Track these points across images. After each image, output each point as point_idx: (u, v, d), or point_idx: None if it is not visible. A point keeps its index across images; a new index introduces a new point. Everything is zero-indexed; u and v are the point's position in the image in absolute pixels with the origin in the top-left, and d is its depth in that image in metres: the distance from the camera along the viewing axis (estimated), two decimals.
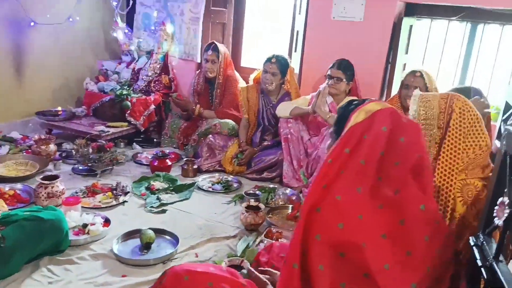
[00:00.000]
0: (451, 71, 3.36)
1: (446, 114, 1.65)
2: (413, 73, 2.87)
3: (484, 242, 1.40)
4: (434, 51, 3.41)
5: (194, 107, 3.66)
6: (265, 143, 3.42)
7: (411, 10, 3.33)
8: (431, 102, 1.69)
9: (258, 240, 2.28)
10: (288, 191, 2.88)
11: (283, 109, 3.23)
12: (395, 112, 1.39)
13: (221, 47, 3.65)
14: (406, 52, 3.44)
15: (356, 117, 1.37)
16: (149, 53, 4.05)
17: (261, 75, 3.41)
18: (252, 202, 2.53)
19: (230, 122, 3.54)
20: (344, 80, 3.11)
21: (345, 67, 3.12)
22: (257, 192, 2.83)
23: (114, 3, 3.89)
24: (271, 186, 3.00)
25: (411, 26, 3.37)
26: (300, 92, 3.53)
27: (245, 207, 2.46)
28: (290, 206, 2.69)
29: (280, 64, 3.31)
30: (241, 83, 3.70)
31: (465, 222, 1.64)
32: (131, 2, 3.93)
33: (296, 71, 3.67)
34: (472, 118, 1.64)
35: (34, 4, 3.66)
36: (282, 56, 3.35)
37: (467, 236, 1.59)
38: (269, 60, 3.33)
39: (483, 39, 3.23)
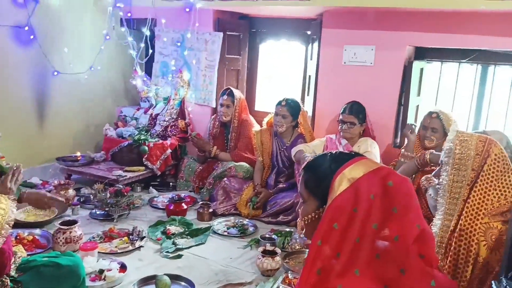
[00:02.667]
0: (465, 112, 3.36)
1: (482, 158, 1.63)
2: (429, 114, 2.88)
3: (507, 286, 1.34)
4: (447, 93, 3.43)
5: (211, 148, 3.71)
6: (280, 185, 3.40)
7: (421, 54, 3.39)
8: (468, 142, 1.67)
9: (275, 287, 2.22)
10: None
11: (294, 150, 3.25)
12: (381, 174, 1.20)
13: (236, 92, 3.74)
14: (418, 95, 3.47)
15: (339, 186, 1.18)
16: (167, 99, 4.16)
17: (273, 118, 3.47)
18: (268, 247, 2.49)
19: (245, 165, 3.57)
20: (357, 124, 3.13)
21: (356, 110, 3.14)
22: (273, 236, 2.79)
23: (134, 53, 4.06)
24: (287, 229, 2.96)
25: (421, 69, 3.42)
26: (314, 134, 3.55)
27: (262, 252, 2.42)
28: (307, 250, 2.63)
29: (289, 107, 3.37)
30: (256, 127, 3.75)
31: (489, 267, 1.58)
32: (150, 52, 4.09)
33: (309, 114, 3.71)
34: (505, 167, 1.63)
35: (57, 55, 3.83)
36: (292, 99, 3.41)
37: (490, 281, 1.53)
38: (279, 103, 3.40)
39: (495, 80, 3.24)
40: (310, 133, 3.50)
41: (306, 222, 1.32)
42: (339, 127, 3.18)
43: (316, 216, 1.28)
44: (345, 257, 1.13)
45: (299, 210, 1.39)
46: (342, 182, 1.18)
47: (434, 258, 1.20)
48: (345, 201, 1.16)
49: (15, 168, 2.04)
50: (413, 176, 2.67)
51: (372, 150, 3.07)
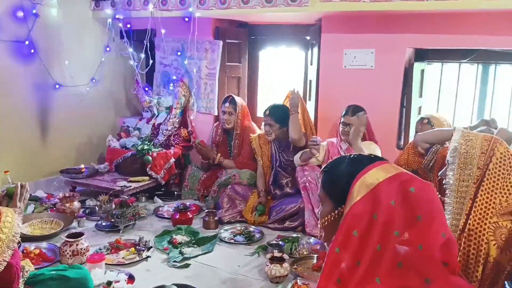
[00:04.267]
0: (468, 112, 3.37)
1: (487, 156, 1.63)
2: (420, 120, 2.95)
3: None
4: (449, 93, 3.44)
5: (215, 156, 3.72)
6: (285, 189, 3.40)
7: (421, 55, 3.40)
8: (473, 141, 1.67)
9: None
10: (312, 240, 2.83)
11: (297, 156, 3.26)
12: (401, 179, 1.17)
13: (238, 100, 3.75)
14: (420, 96, 3.47)
15: (358, 192, 1.16)
16: (169, 109, 4.18)
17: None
18: (276, 253, 2.48)
19: (249, 171, 3.57)
20: None
21: (359, 112, 3.14)
22: (280, 242, 2.78)
23: (135, 64, 4.08)
24: (294, 235, 2.95)
25: (422, 71, 3.43)
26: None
27: (269, 259, 2.41)
28: (315, 255, 2.62)
29: (273, 115, 3.38)
30: (258, 132, 3.75)
31: (500, 267, 1.57)
32: (150, 62, 4.11)
33: (312, 118, 3.72)
34: (511, 166, 1.62)
35: (58, 68, 3.85)
36: (276, 106, 3.44)
37: (502, 281, 1.52)
38: (264, 113, 3.44)
39: (496, 79, 3.25)
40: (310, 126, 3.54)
41: (323, 225, 1.30)
42: (341, 129, 3.18)
43: (332, 218, 1.27)
44: (365, 265, 1.11)
45: (318, 213, 1.37)
46: (360, 188, 1.16)
47: (457, 264, 1.18)
48: (364, 208, 1.13)
49: (21, 187, 2.05)
50: (438, 147, 2.67)
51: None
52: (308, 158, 3.17)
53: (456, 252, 1.22)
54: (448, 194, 1.68)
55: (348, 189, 1.20)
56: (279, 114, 3.39)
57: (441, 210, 1.17)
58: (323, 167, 1.36)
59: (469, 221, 1.60)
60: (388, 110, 3.38)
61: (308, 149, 3.14)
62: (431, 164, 2.73)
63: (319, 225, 1.38)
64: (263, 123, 3.67)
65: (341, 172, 1.27)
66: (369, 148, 3.11)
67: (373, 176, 1.17)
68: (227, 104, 3.71)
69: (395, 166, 1.25)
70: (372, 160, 1.25)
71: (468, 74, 3.38)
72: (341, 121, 3.19)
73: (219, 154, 3.74)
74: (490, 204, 1.60)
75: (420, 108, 3.49)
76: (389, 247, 1.12)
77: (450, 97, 3.42)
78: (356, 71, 3.46)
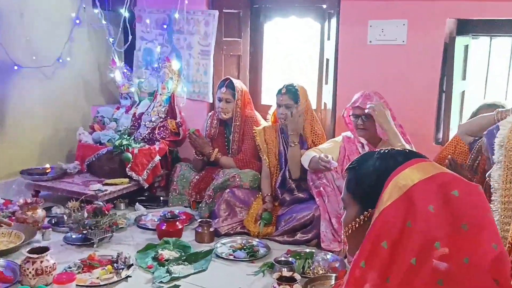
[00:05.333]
0: None
1: None
2: (490, 107, 2.80)
3: None
4: (498, 74, 3.43)
5: (211, 151, 3.74)
6: (296, 193, 3.42)
7: (465, 28, 3.40)
8: None
9: None
10: (329, 256, 2.85)
11: (305, 160, 3.26)
12: (442, 181, 1.16)
13: (237, 83, 3.76)
14: (464, 78, 3.47)
15: (389, 195, 1.16)
16: (152, 95, 4.20)
17: (276, 111, 3.51)
18: (285, 272, 2.50)
19: (252, 172, 3.59)
20: None
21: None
22: (290, 259, 2.80)
23: (111, 40, 4.10)
24: (307, 250, 2.98)
25: (466, 46, 3.42)
26: (335, 133, 3.57)
27: (277, 279, 2.43)
28: (333, 275, 2.64)
29: (291, 94, 3.38)
30: (263, 124, 3.77)
31: None
32: (130, 37, 4.13)
33: (329, 106, 3.73)
34: None
35: (17, 45, 3.88)
36: (293, 85, 3.44)
37: None
38: (279, 92, 3.45)
39: None
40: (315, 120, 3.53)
41: (347, 234, 1.32)
42: (353, 124, 3.17)
43: (357, 225, 1.28)
44: (396, 281, 1.11)
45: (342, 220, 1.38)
46: (392, 191, 1.16)
47: (509, 282, 1.17)
48: (395, 214, 1.14)
49: None
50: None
51: None
52: (317, 169, 3.15)
53: (509, 268, 1.20)
54: (494, 200, 1.69)
55: (377, 189, 1.21)
56: (298, 93, 3.40)
57: (492, 218, 1.18)
58: (348, 164, 1.37)
59: None
60: (423, 96, 3.38)
61: (314, 155, 3.16)
62: (475, 164, 2.72)
63: (342, 234, 1.40)
64: (270, 110, 3.68)
65: (369, 169, 1.27)
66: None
67: (407, 177, 1.17)
68: (223, 89, 3.72)
69: (436, 164, 1.25)
70: (407, 156, 1.25)
71: None
72: (351, 113, 3.17)
73: (216, 149, 3.77)
74: None
75: (463, 93, 3.49)
76: (428, 261, 1.11)
77: (500, 79, 3.41)
78: (383, 48, 3.47)
